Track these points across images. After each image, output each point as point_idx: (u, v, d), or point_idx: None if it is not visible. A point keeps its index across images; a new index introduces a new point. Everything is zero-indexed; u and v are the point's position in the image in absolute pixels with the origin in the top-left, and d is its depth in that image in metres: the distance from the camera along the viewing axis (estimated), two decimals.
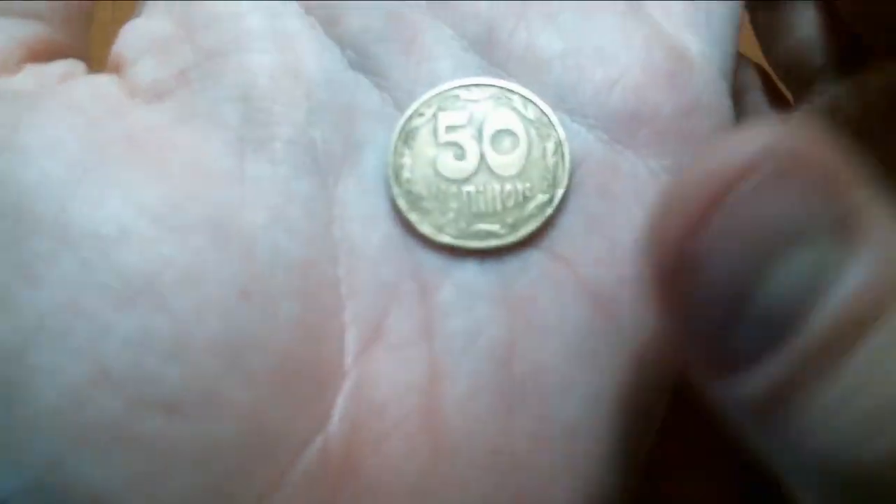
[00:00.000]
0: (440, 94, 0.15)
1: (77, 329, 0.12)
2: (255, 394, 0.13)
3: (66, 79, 0.15)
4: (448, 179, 0.15)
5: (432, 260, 0.15)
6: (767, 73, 0.20)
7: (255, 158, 0.14)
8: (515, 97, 0.15)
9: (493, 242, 0.15)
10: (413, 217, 0.15)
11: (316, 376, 0.14)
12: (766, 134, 0.10)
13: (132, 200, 0.13)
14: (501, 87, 0.15)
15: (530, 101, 0.15)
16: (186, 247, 0.13)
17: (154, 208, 0.13)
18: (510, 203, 0.15)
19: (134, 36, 0.15)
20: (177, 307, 0.13)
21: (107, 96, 0.14)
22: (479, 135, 0.15)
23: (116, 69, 0.15)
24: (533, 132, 0.15)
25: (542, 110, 0.15)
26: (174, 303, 0.13)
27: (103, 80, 0.15)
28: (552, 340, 0.14)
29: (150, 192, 0.13)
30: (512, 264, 0.15)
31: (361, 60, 0.15)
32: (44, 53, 0.15)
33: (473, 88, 0.15)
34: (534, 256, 0.15)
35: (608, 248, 0.14)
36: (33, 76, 0.15)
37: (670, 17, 0.16)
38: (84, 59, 0.16)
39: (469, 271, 0.15)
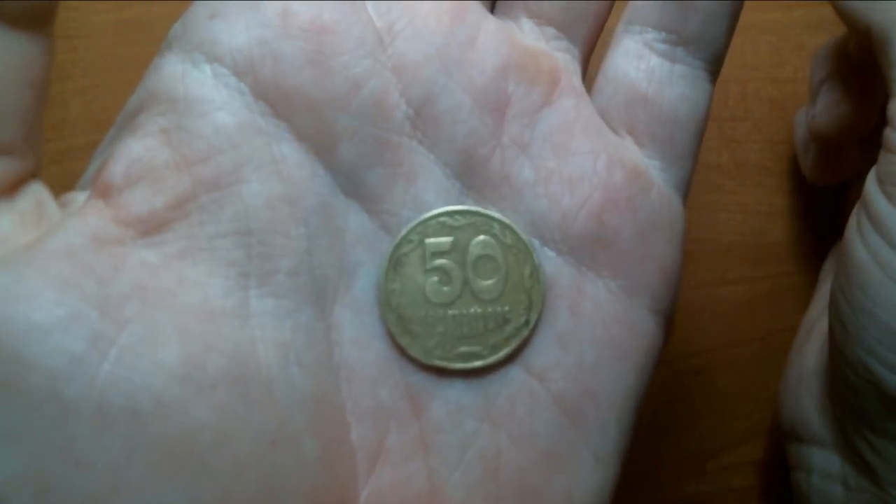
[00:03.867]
0: (426, 220, 0.16)
1: None
2: None
3: (42, 215, 0.14)
4: (435, 304, 0.16)
5: (423, 380, 0.16)
6: None
7: (258, 294, 0.15)
8: (495, 224, 0.16)
9: (476, 363, 0.16)
10: (405, 341, 0.16)
11: (337, 503, 0.15)
12: None
13: (158, 365, 0.13)
14: (482, 214, 0.16)
15: (508, 227, 0.16)
16: (214, 405, 0.14)
17: (179, 369, 0.14)
18: (491, 325, 0.16)
19: (128, 160, 0.15)
20: (217, 469, 0.13)
21: (103, 239, 0.14)
22: (463, 261, 0.16)
23: (104, 194, 0.15)
24: (511, 258, 0.16)
25: (518, 236, 0.16)
26: (214, 465, 0.13)
27: (94, 219, 0.14)
28: (530, 448, 0.16)
29: (172, 351, 0.14)
30: (493, 381, 0.16)
31: (353, 186, 0.16)
32: (8, 186, 0.14)
33: (456, 215, 0.16)
34: (512, 373, 0.16)
35: (576, 363, 0.16)
36: (9, 222, 0.14)
37: (635, 134, 0.18)
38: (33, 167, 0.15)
39: (456, 390, 0.16)
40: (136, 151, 0.15)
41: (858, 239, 0.18)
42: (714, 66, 0.18)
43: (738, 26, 0.18)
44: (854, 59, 0.22)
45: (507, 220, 0.16)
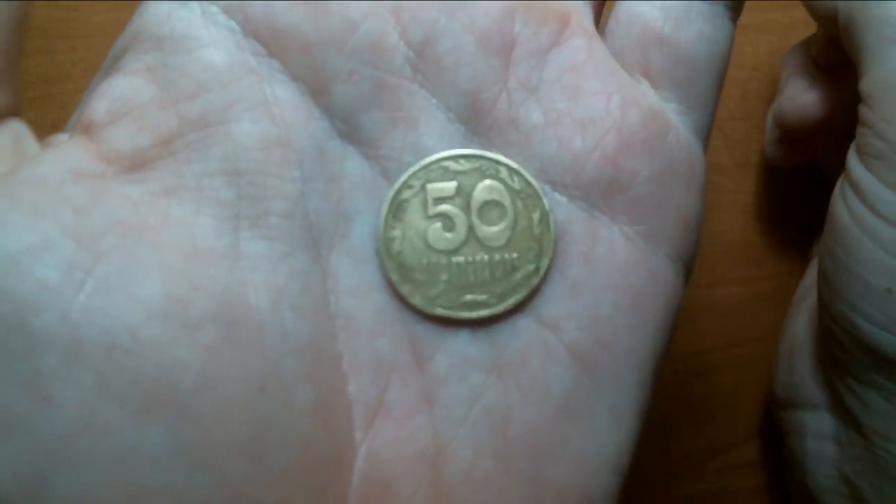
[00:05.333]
0: (428, 165, 0.15)
1: (100, 449, 0.12)
2: (281, 490, 0.13)
3: (20, 150, 0.14)
4: (438, 251, 0.15)
5: (425, 331, 0.15)
6: None
7: (250, 235, 0.14)
8: (502, 168, 0.16)
9: (483, 312, 0.15)
10: (405, 289, 0.15)
11: (332, 458, 0.14)
12: None
13: (138, 300, 0.13)
14: (488, 158, 0.16)
15: (516, 172, 0.16)
16: (199, 346, 0.13)
17: (160, 306, 0.13)
18: (498, 273, 0.15)
19: (111, 97, 0.14)
20: (199, 413, 0.13)
21: (84, 173, 0.14)
22: (468, 206, 0.15)
23: (86, 131, 0.14)
24: (519, 203, 0.16)
25: (527, 181, 0.16)
26: (196, 409, 0.13)
27: (74, 152, 0.14)
28: (542, 403, 0.15)
29: (153, 287, 0.13)
30: (502, 332, 0.15)
31: (350, 130, 0.15)
32: None
33: (461, 160, 0.16)
34: (521, 323, 0.15)
35: (590, 313, 0.15)
36: None
37: (651, 76, 0.17)
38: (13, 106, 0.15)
39: (461, 341, 0.15)
40: (121, 89, 0.15)
41: (841, 202, 0.20)
42: (734, 4, 0.17)
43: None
44: (816, 55, 0.24)
45: (514, 164, 0.16)
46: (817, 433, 0.23)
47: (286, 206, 0.15)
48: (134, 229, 0.13)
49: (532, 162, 0.16)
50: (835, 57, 0.23)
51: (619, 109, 0.16)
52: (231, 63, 0.15)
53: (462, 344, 0.15)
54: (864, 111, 0.20)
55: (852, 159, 0.20)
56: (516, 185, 0.16)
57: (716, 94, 0.17)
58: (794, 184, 0.28)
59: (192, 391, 0.13)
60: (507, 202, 0.16)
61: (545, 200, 0.15)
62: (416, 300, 0.15)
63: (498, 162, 0.16)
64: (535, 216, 0.15)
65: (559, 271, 0.15)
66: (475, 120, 0.16)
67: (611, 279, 0.15)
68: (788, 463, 0.25)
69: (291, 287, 0.14)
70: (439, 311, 0.15)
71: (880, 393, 0.20)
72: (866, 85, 0.19)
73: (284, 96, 0.15)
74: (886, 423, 0.20)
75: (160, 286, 0.13)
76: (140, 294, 0.13)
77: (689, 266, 0.17)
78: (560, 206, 0.16)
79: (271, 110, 0.15)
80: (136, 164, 0.14)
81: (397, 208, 0.15)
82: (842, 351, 0.21)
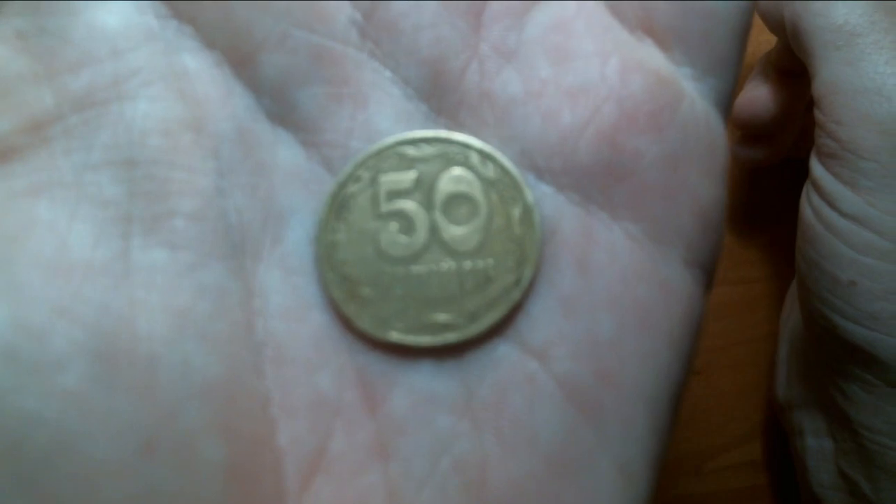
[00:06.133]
0: (380, 151, 0.12)
1: None
2: None
3: None
4: (392, 259, 0.12)
5: (378, 362, 0.12)
6: None
7: (144, 243, 0.11)
8: (472, 153, 0.12)
9: (450, 337, 0.12)
10: (351, 309, 0.12)
11: None
12: None
13: None
14: (454, 142, 0.12)
15: (490, 156, 0.12)
16: (58, 392, 0.10)
17: (7, 339, 0.10)
18: (469, 285, 0.12)
19: None
20: (56, 485, 0.10)
21: None
22: (430, 202, 0.12)
23: None
24: (494, 196, 0.12)
25: (504, 168, 0.12)
26: (52, 479, 0.10)
27: None
28: (528, 455, 0.12)
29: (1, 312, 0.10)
30: (475, 362, 0.12)
31: (281, 110, 0.12)
32: None
33: (421, 144, 0.12)
34: (500, 350, 0.12)
35: (588, 336, 0.12)
36: None
37: (656, 33, 0.13)
38: None
39: (423, 374, 0.12)
40: None
41: (806, 201, 0.22)
42: None
43: None
44: (775, 60, 0.26)
45: (487, 148, 0.12)
46: (815, 431, 0.24)
47: (195, 204, 0.12)
48: None
49: (511, 144, 0.12)
50: (790, 62, 0.25)
51: (618, 75, 0.12)
52: (127, 27, 0.12)
53: (424, 378, 0.12)
54: (816, 113, 0.21)
55: (812, 160, 0.21)
56: (490, 173, 0.12)
57: (740, 54, 0.14)
58: (796, 184, 0.27)
59: (45, 456, 0.10)
60: (478, 195, 0.12)
61: (528, 192, 0.12)
62: (365, 323, 0.12)
63: (467, 146, 0.12)
64: (516, 212, 0.12)
65: (547, 283, 0.12)
66: (439, 95, 0.13)
67: (612, 293, 0.12)
68: (795, 461, 0.25)
69: (199, 308, 0.11)
70: (394, 337, 0.12)
71: (860, 385, 0.21)
72: (815, 88, 0.21)
73: (196, 68, 0.12)
74: (870, 415, 0.21)
75: (7, 314, 0.10)
76: None
77: (711, 271, 0.13)
78: (547, 199, 0.12)
79: (178, 85, 0.12)
80: None
81: (341, 206, 0.12)
82: (822, 347, 0.22)
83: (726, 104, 0.14)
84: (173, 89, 0.12)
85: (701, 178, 0.13)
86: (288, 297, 0.12)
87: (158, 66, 0.12)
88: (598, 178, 0.12)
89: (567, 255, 0.12)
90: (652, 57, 0.13)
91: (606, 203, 0.12)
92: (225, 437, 0.11)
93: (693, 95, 0.13)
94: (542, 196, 0.12)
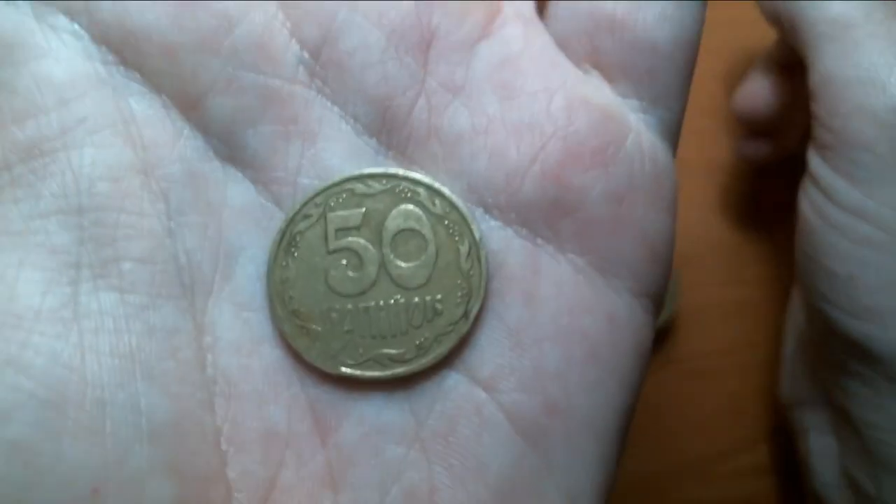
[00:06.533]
0: (329, 189, 0.13)
1: None
2: None
3: None
4: (341, 295, 0.12)
5: (328, 394, 0.12)
6: None
7: (92, 287, 0.11)
8: (421, 189, 0.13)
9: (399, 370, 0.12)
10: (301, 344, 0.12)
11: None
12: None
13: None
14: (403, 178, 0.13)
15: (438, 192, 0.13)
16: (4, 440, 0.10)
17: None
18: (417, 320, 0.12)
19: None
20: None
21: None
22: (378, 238, 0.13)
23: None
24: (442, 231, 0.13)
25: (452, 204, 0.13)
26: None
27: None
28: (476, 484, 0.12)
29: None
30: (424, 394, 0.12)
31: (231, 150, 0.13)
32: None
33: (370, 181, 0.13)
34: (449, 382, 0.12)
35: (535, 369, 0.12)
36: None
37: (603, 66, 0.14)
38: None
39: (374, 406, 0.12)
40: None
41: (804, 195, 0.21)
42: None
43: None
44: (774, 56, 0.26)
45: (435, 184, 0.13)
46: (819, 429, 0.23)
47: (145, 247, 0.12)
48: None
49: (458, 180, 0.13)
50: (789, 56, 0.24)
51: (564, 111, 0.13)
52: (73, 75, 0.12)
53: (374, 409, 0.12)
54: (812, 105, 0.21)
55: (810, 152, 0.21)
56: (438, 209, 0.13)
57: (686, 86, 0.14)
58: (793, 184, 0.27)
59: None
60: (426, 231, 0.13)
61: (474, 227, 0.13)
62: (315, 356, 0.12)
63: (416, 181, 0.13)
64: (463, 248, 0.13)
65: (495, 316, 0.13)
66: (388, 131, 0.13)
67: (559, 325, 0.12)
68: (801, 460, 0.25)
69: (148, 349, 0.11)
70: (345, 370, 0.12)
71: (861, 381, 0.21)
72: (811, 80, 0.21)
73: (143, 112, 0.12)
74: (871, 411, 0.21)
75: None
76: None
77: (659, 301, 0.14)
78: (494, 234, 0.13)
79: (126, 130, 0.12)
80: None
81: (290, 242, 0.12)
82: (824, 343, 0.22)
83: (674, 135, 0.14)
84: (121, 134, 0.12)
85: (647, 211, 0.13)
86: (239, 332, 0.12)
87: (106, 112, 0.12)
88: (545, 212, 0.13)
89: (514, 287, 0.13)
90: (598, 90, 0.13)
91: (553, 237, 0.13)
92: (175, 476, 0.11)
93: (639, 128, 0.13)
94: (490, 230, 0.13)
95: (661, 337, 0.27)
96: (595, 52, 0.13)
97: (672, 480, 0.27)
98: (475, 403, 0.12)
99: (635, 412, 0.24)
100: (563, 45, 0.14)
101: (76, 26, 0.12)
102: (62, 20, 0.12)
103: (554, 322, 0.12)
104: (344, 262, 0.12)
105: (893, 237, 0.20)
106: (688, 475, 0.27)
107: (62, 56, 0.12)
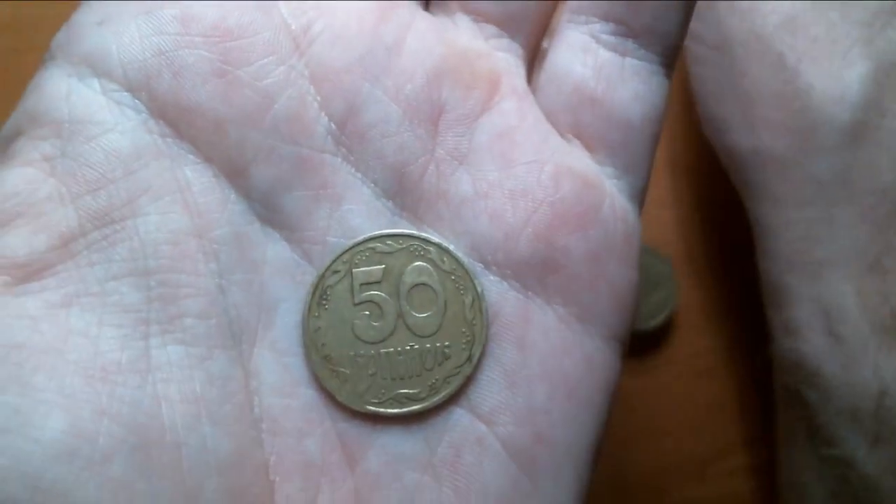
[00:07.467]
0: (354, 247, 0.15)
1: None
2: None
3: None
4: (366, 342, 0.15)
5: (355, 428, 0.14)
6: None
7: (161, 342, 0.13)
8: (431, 248, 0.15)
9: (414, 407, 0.14)
10: (332, 385, 0.14)
11: None
12: None
13: (38, 442, 0.12)
14: (416, 237, 0.15)
15: (446, 251, 0.15)
16: (108, 481, 0.12)
17: (61, 444, 0.12)
18: (430, 363, 0.15)
19: (3, 193, 0.13)
20: None
21: None
22: (396, 291, 0.15)
23: None
24: (450, 285, 0.15)
25: (458, 261, 0.15)
26: None
27: None
28: (479, 502, 0.14)
29: (54, 422, 0.12)
30: (435, 425, 0.15)
31: (270, 213, 0.14)
32: None
33: (388, 240, 0.15)
34: (455, 416, 0.15)
35: (525, 404, 0.15)
36: None
37: (584, 138, 0.16)
38: None
39: (394, 437, 0.14)
40: (14, 184, 0.13)
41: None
42: (669, 60, 0.16)
43: None
44: None
45: (444, 243, 0.15)
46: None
47: (202, 303, 0.14)
48: (32, 353, 0.12)
49: (463, 238, 0.15)
50: None
51: (552, 180, 0.15)
52: (136, 148, 0.14)
53: (394, 440, 0.14)
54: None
55: None
56: (446, 265, 0.15)
57: (651, 155, 0.16)
58: None
59: None
60: (437, 285, 0.15)
61: (476, 282, 0.15)
62: (344, 396, 0.14)
63: (427, 241, 0.15)
64: (467, 300, 0.15)
65: (493, 358, 0.15)
66: (403, 194, 0.15)
67: (545, 367, 0.15)
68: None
69: (210, 395, 0.13)
70: (369, 408, 0.14)
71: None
72: None
73: (197, 181, 0.14)
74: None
75: (62, 420, 0.12)
76: (38, 434, 0.12)
77: (626, 342, 0.16)
78: (493, 287, 0.15)
79: (183, 197, 0.14)
80: (32, 273, 0.13)
81: (322, 296, 0.14)
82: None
83: (640, 199, 0.16)
84: (179, 202, 0.14)
85: (618, 267, 0.15)
86: (280, 375, 0.14)
87: (165, 181, 0.14)
88: (535, 269, 0.15)
89: (509, 334, 0.15)
90: (580, 160, 0.15)
91: (542, 290, 0.15)
92: (236, 502, 0.13)
93: (613, 193, 0.15)
94: (489, 284, 0.15)
95: (660, 337, 0.28)
96: (577, 124, 0.16)
97: (670, 479, 0.27)
98: (477, 435, 0.14)
99: (634, 412, 0.26)
100: (549, 116, 0.16)
101: (138, 102, 0.14)
102: (126, 96, 0.14)
103: (542, 364, 0.15)
104: (367, 312, 0.15)
105: (715, 53, 0.24)
106: (685, 474, 0.28)
107: (127, 129, 0.13)
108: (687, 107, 0.29)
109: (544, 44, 0.16)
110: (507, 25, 0.16)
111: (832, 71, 0.23)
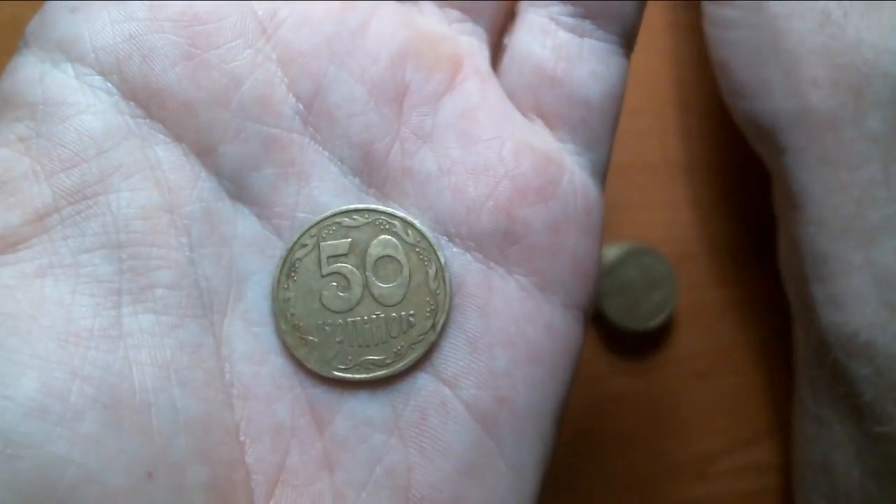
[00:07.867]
0: (321, 222, 0.15)
1: None
2: None
3: None
4: (333, 311, 0.15)
5: (324, 393, 0.15)
6: None
7: (133, 311, 0.14)
8: (396, 222, 0.15)
9: (380, 373, 0.15)
10: (301, 353, 0.15)
11: None
12: None
13: (11, 400, 0.12)
14: (382, 212, 0.15)
15: (411, 224, 0.15)
16: (79, 438, 0.12)
17: (37, 402, 0.12)
18: (395, 331, 0.15)
19: None
20: None
21: None
22: (362, 263, 0.15)
23: None
24: (414, 257, 0.15)
25: (422, 234, 0.15)
26: None
27: None
28: (443, 463, 0.15)
29: (27, 382, 0.12)
30: (401, 390, 0.15)
31: (239, 190, 0.15)
32: None
33: (354, 215, 0.15)
34: (421, 380, 0.15)
35: (488, 369, 0.15)
36: None
37: (545, 116, 0.16)
38: None
39: (361, 401, 0.15)
40: None
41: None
42: (627, 41, 0.17)
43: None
44: None
45: (408, 217, 0.15)
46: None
47: (173, 275, 0.14)
48: (7, 319, 0.13)
49: (427, 213, 0.15)
50: None
51: (512, 156, 0.15)
52: (108, 128, 0.14)
53: (361, 405, 0.15)
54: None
55: None
56: (411, 238, 0.15)
57: (612, 133, 0.17)
58: None
59: (72, 487, 0.12)
60: (402, 257, 0.15)
61: (440, 254, 0.15)
62: (313, 363, 0.15)
63: (392, 215, 0.15)
64: (431, 271, 0.15)
65: (457, 326, 0.15)
66: (369, 171, 0.15)
67: (507, 333, 0.15)
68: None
69: (180, 360, 0.14)
70: (337, 374, 0.15)
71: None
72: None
73: (167, 159, 0.15)
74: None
75: (35, 380, 0.12)
76: (12, 393, 0.12)
77: (589, 311, 0.16)
78: (456, 258, 0.15)
79: (154, 175, 0.14)
80: (7, 245, 0.13)
81: (290, 268, 0.15)
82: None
83: (602, 174, 0.17)
84: (150, 179, 0.14)
85: (579, 238, 0.16)
86: (250, 344, 0.15)
87: (137, 159, 0.14)
88: (497, 240, 0.15)
89: (471, 303, 0.15)
90: (541, 137, 0.16)
91: (503, 261, 0.15)
92: (207, 462, 0.14)
93: (574, 168, 0.16)
94: (452, 256, 0.15)
95: (659, 337, 0.28)
96: (538, 103, 0.16)
97: (671, 479, 0.28)
98: (441, 398, 0.15)
99: (635, 412, 0.26)
100: (512, 96, 0.16)
101: (109, 84, 0.14)
102: (97, 79, 0.14)
103: (503, 331, 0.15)
104: (334, 284, 0.15)
105: (747, 14, 0.23)
106: (686, 474, 0.28)
107: (99, 110, 0.14)
108: (686, 106, 0.29)
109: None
110: (470, 10, 0.17)
111: (881, 22, 0.22)
